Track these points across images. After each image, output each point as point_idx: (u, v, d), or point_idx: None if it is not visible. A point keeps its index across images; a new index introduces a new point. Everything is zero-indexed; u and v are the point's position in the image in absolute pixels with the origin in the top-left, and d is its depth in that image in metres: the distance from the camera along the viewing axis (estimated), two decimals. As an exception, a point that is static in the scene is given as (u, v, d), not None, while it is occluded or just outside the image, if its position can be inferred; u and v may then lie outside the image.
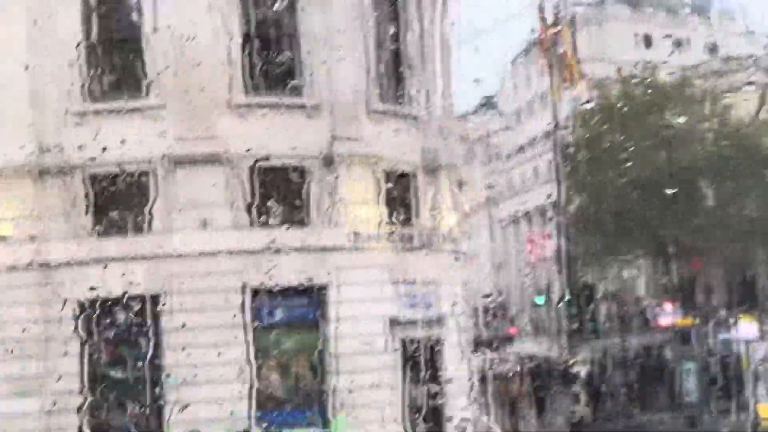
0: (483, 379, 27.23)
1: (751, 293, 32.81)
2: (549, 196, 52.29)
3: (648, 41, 67.87)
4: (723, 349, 25.81)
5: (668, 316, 32.83)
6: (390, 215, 22.00)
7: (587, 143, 44.83)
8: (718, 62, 56.40)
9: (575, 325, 24.45)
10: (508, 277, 76.18)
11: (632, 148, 40.15)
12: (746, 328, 26.51)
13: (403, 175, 22.86)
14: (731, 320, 27.93)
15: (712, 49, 67.06)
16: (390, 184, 22.13)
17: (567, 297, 30.59)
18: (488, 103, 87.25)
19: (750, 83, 45.44)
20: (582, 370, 26.76)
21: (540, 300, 48.58)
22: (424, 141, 23.57)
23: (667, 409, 24.44)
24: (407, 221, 22.69)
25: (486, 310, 56.73)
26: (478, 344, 39.69)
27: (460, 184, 24.55)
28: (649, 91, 43.28)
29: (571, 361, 24.10)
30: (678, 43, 67.16)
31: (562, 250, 39.48)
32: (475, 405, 23.56)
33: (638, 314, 41.16)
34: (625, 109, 42.01)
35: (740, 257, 40.49)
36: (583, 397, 23.18)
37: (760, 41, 56.60)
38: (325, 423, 20.42)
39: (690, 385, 24.98)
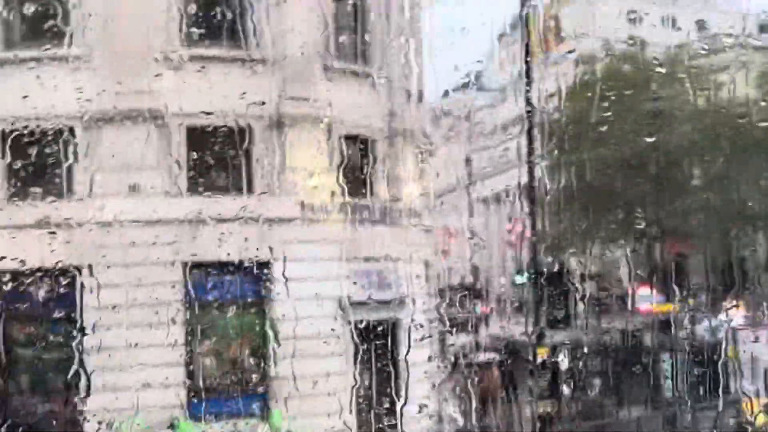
0: (454, 365, 25.33)
1: (738, 278, 30.84)
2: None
3: (636, 18, 66.41)
4: (707, 338, 23.85)
5: (647, 300, 30.69)
6: (345, 185, 19.89)
7: (570, 120, 43.31)
8: (707, 40, 54.94)
9: (544, 309, 22.33)
10: (489, 256, 74.65)
11: (617, 126, 38.84)
12: (733, 315, 24.45)
13: (361, 141, 20.74)
14: (716, 306, 25.95)
15: (701, 26, 65.65)
16: (346, 151, 20.01)
17: (526, 277, 28.40)
18: (473, 81, 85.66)
19: (741, 63, 44.03)
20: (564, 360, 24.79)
21: (520, 279, 46.58)
22: (387, 104, 21.46)
23: (645, 405, 22.48)
24: (364, 192, 20.60)
25: (464, 290, 54.78)
26: (453, 326, 37.80)
27: (426, 154, 22.48)
28: (636, 67, 41.85)
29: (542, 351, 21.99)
30: (666, 20, 65.90)
31: (526, 230, 37.72)
32: (437, 393, 21.58)
33: (617, 299, 39.27)
34: (611, 85, 40.53)
35: (726, 241, 38.91)
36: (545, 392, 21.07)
37: (750, 19, 55.27)
38: (266, 413, 18.39)
39: (670, 377, 23.09)
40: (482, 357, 24.14)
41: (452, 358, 26.53)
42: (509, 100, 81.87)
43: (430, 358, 21.89)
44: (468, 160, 69.55)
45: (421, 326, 21.43)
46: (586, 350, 22.64)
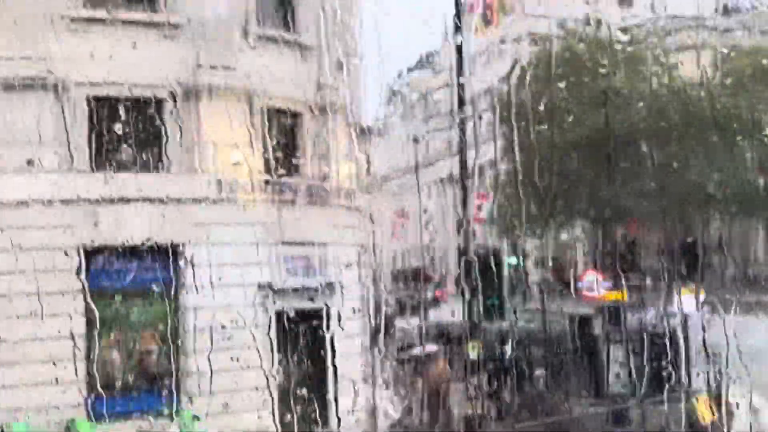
0: (393, 356, 23.81)
1: (693, 262, 29.16)
2: (485, 155, 49.55)
3: (591, -2, 65.39)
4: (659, 327, 22.21)
5: (596, 286, 28.95)
6: (268, 162, 18.26)
7: (524, 101, 42.16)
8: (663, 20, 54.09)
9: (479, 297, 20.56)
10: (441, 238, 73.50)
11: (571, 107, 37.89)
12: (686, 301, 22.83)
13: (287, 115, 19.10)
14: (670, 292, 24.37)
15: (657, 6, 64.86)
16: (269, 125, 18.35)
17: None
18: (427, 59, 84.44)
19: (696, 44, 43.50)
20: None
21: (513, 261, 45.08)
22: (318, 75, 19.81)
23: (589, 401, 20.90)
24: (290, 170, 18.98)
25: (413, 274, 53.55)
26: (396, 313, 36.33)
27: (360, 130, 20.89)
28: (591, 47, 40.79)
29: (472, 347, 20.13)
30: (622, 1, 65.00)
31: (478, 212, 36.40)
32: (371, 387, 20.06)
33: (566, 284, 37.99)
34: (566, 65, 39.48)
35: (682, 223, 37.91)
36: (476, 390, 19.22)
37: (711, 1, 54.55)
38: (176, 412, 16.72)
39: (618, 371, 21.49)
40: (417, 350, 22.49)
41: (391, 348, 24.95)
42: (467, 80, 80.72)
43: (364, 348, 20.41)
44: (416, 140, 68.05)
45: (355, 313, 19.93)
46: (522, 340, 20.95)
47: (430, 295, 54.09)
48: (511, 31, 55.25)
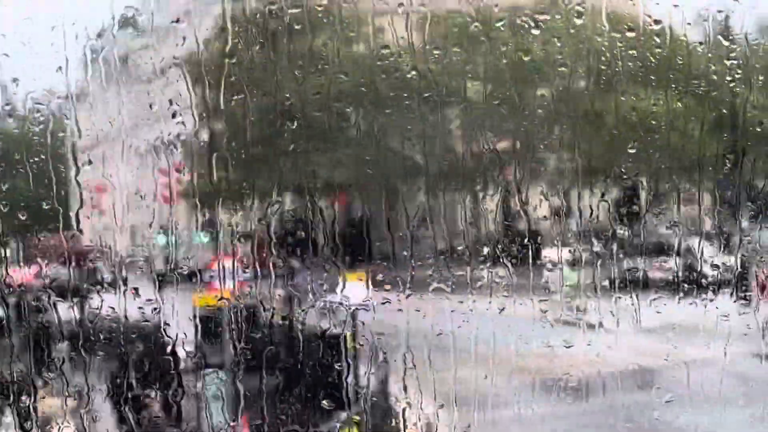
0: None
1: (360, 243, 23.14)
2: (184, 124, 45.88)
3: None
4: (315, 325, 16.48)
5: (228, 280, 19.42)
6: None
7: (222, 64, 38.79)
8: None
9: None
10: (147, 213, 69.00)
11: (274, 71, 34.95)
12: (353, 290, 17.80)
13: None
14: (333, 280, 19.04)
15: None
16: None
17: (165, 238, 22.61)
18: (129, 19, 78.77)
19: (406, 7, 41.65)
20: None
21: (161, 240, 40.99)
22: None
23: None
24: None
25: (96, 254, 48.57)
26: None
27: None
28: (294, 10, 38.04)
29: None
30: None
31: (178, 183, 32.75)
32: None
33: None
34: (263, 25, 36.51)
35: (387, 196, 36.10)
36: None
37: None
38: None
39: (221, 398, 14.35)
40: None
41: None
42: (169, 42, 76.11)
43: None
44: (119, 109, 62.97)
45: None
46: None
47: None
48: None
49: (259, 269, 15.69)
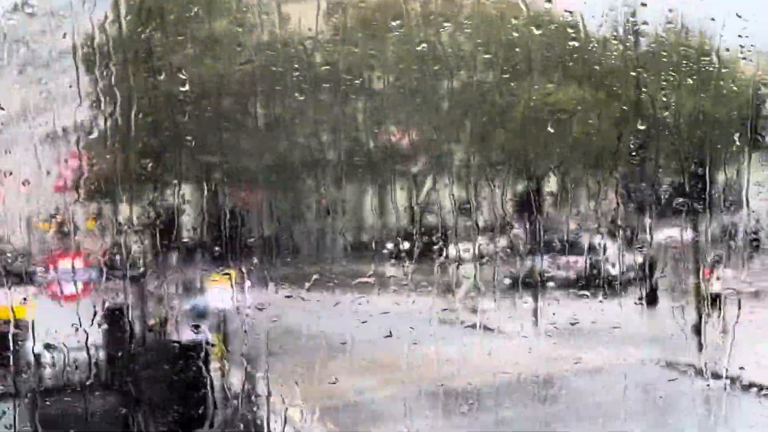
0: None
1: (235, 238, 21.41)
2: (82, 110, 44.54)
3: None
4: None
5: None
6: None
7: (120, 47, 37.62)
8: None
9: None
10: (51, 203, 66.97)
11: (174, 56, 33.98)
12: (216, 294, 16.41)
13: None
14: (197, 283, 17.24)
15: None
16: None
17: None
18: (25, 2, 76.37)
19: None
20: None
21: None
22: None
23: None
24: None
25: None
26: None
27: None
28: None
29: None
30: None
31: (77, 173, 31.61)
32: None
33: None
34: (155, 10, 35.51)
35: (289, 189, 35.44)
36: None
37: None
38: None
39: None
40: None
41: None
42: (66, 26, 73.86)
43: None
44: (9, 95, 60.74)
45: None
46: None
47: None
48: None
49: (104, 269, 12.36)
